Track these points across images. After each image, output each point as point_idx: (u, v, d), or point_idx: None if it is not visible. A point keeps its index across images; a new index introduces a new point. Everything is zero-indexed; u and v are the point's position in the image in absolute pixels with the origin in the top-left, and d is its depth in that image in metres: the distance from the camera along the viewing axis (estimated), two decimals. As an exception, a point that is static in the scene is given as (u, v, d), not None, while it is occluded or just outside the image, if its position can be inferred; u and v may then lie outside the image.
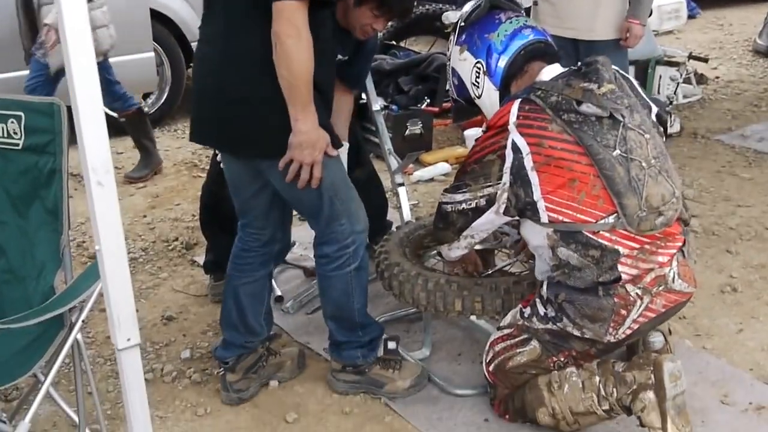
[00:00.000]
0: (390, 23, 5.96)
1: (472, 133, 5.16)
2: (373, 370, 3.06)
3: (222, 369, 3.12)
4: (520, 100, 2.67)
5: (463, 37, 2.96)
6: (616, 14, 4.05)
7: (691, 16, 9.49)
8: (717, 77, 7.29)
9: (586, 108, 2.61)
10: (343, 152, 3.71)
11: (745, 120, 6.13)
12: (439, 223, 2.91)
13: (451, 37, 3.01)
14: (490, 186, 2.68)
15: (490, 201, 2.70)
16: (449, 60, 3.03)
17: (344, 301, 2.96)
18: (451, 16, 2.99)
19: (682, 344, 3.33)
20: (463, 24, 2.97)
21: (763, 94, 6.78)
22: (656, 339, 2.78)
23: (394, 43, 6.69)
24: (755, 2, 10.00)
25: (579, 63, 2.79)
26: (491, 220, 2.77)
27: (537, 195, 2.61)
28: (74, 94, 1.77)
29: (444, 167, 5.33)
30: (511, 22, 2.88)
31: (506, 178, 2.65)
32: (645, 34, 5.77)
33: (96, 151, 1.78)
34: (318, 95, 2.66)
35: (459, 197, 2.77)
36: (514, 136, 2.62)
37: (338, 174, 2.84)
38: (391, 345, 3.11)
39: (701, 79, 6.89)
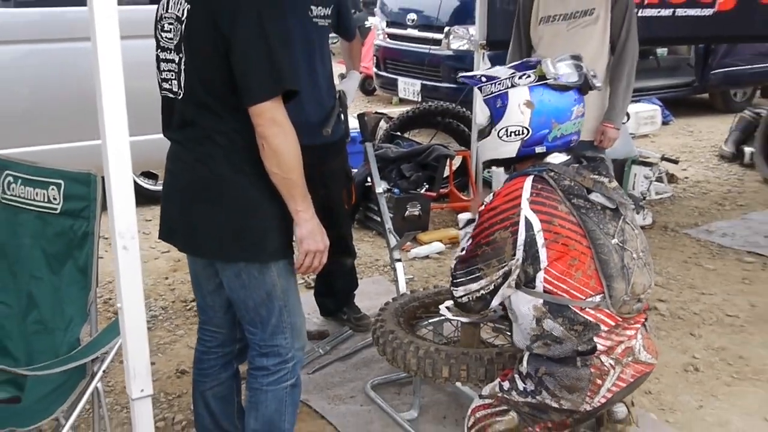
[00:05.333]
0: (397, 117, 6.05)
1: (465, 216, 5.19)
2: None
3: None
4: (532, 177, 2.57)
5: (541, 95, 2.63)
6: (596, 118, 4.08)
7: (665, 123, 9.62)
8: (686, 177, 7.33)
9: (596, 197, 2.57)
10: (355, 79, 4.07)
11: (710, 217, 6.16)
12: (457, 309, 2.80)
13: (530, 77, 2.65)
14: (504, 266, 2.56)
15: (505, 277, 2.59)
16: (511, 86, 2.65)
17: (276, 420, 2.60)
18: (550, 63, 2.62)
19: (648, 417, 3.29)
20: (549, 81, 2.63)
21: (727, 194, 6.82)
22: (619, 410, 2.73)
23: (399, 133, 6.78)
24: (722, 113, 10.15)
25: (581, 157, 2.73)
26: (503, 294, 2.64)
27: (541, 267, 2.53)
28: (107, 166, 1.79)
29: (438, 246, 5.34)
30: (574, 124, 2.67)
31: (519, 254, 2.54)
32: (623, 137, 5.86)
33: (123, 218, 1.79)
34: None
35: (475, 286, 2.63)
36: (527, 212, 2.51)
37: (292, 284, 2.57)
38: None
39: (672, 178, 6.95)
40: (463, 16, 8.74)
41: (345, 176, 4.07)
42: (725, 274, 4.97)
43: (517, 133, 2.66)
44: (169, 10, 2.39)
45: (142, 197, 6.03)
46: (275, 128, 2.26)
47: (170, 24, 2.39)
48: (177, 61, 2.37)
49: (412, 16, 9.55)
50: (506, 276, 2.58)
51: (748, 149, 7.69)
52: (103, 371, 2.51)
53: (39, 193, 2.71)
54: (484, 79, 2.75)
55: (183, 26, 2.34)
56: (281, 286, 2.51)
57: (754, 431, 3.25)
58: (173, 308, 4.44)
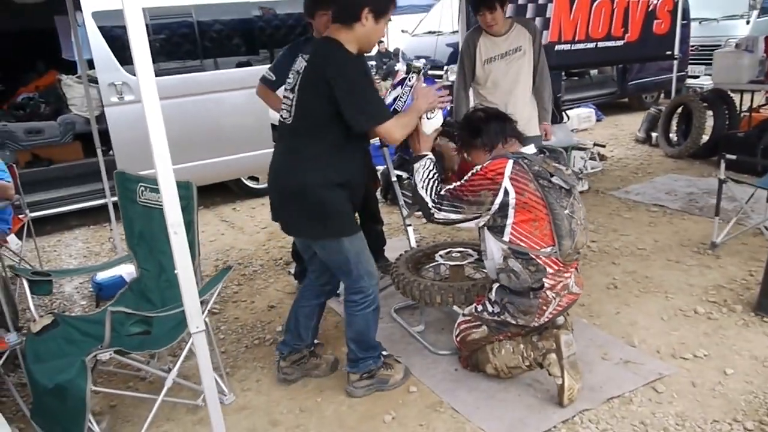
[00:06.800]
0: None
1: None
2: (379, 372, 2.72)
3: (279, 357, 2.86)
4: (512, 161, 2.46)
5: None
6: (534, 117, 3.88)
7: (598, 120, 9.26)
8: (612, 156, 7.05)
9: (556, 180, 2.47)
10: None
11: (628, 182, 5.91)
12: (428, 219, 2.63)
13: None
14: (479, 213, 2.48)
15: (475, 219, 2.51)
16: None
17: (365, 331, 2.62)
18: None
19: (580, 321, 3.17)
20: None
21: (640, 166, 6.53)
22: (559, 318, 2.64)
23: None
24: (637, 111, 9.74)
25: (545, 150, 2.62)
26: (469, 226, 2.57)
27: (508, 223, 2.44)
28: (161, 182, 1.75)
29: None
30: None
31: (494, 208, 2.44)
32: (566, 131, 5.64)
33: (173, 214, 1.74)
34: (347, 190, 2.42)
35: (454, 216, 2.53)
36: (507, 184, 2.41)
37: (362, 248, 2.51)
38: (385, 353, 2.84)
39: (602, 157, 6.69)
40: (455, 57, 8.53)
41: (371, 170, 3.99)
42: (637, 220, 4.77)
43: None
44: (294, 67, 2.44)
45: (249, 193, 6.04)
46: (397, 136, 2.40)
47: (293, 74, 2.43)
48: (291, 98, 2.39)
49: (423, 60, 9.37)
50: (476, 218, 2.51)
51: (654, 134, 7.38)
52: (208, 310, 2.49)
53: (160, 196, 2.69)
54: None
55: (300, 77, 2.37)
56: (354, 250, 2.47)
57: (653, 326, 3.11)
58: (267, 265, 4.41)
